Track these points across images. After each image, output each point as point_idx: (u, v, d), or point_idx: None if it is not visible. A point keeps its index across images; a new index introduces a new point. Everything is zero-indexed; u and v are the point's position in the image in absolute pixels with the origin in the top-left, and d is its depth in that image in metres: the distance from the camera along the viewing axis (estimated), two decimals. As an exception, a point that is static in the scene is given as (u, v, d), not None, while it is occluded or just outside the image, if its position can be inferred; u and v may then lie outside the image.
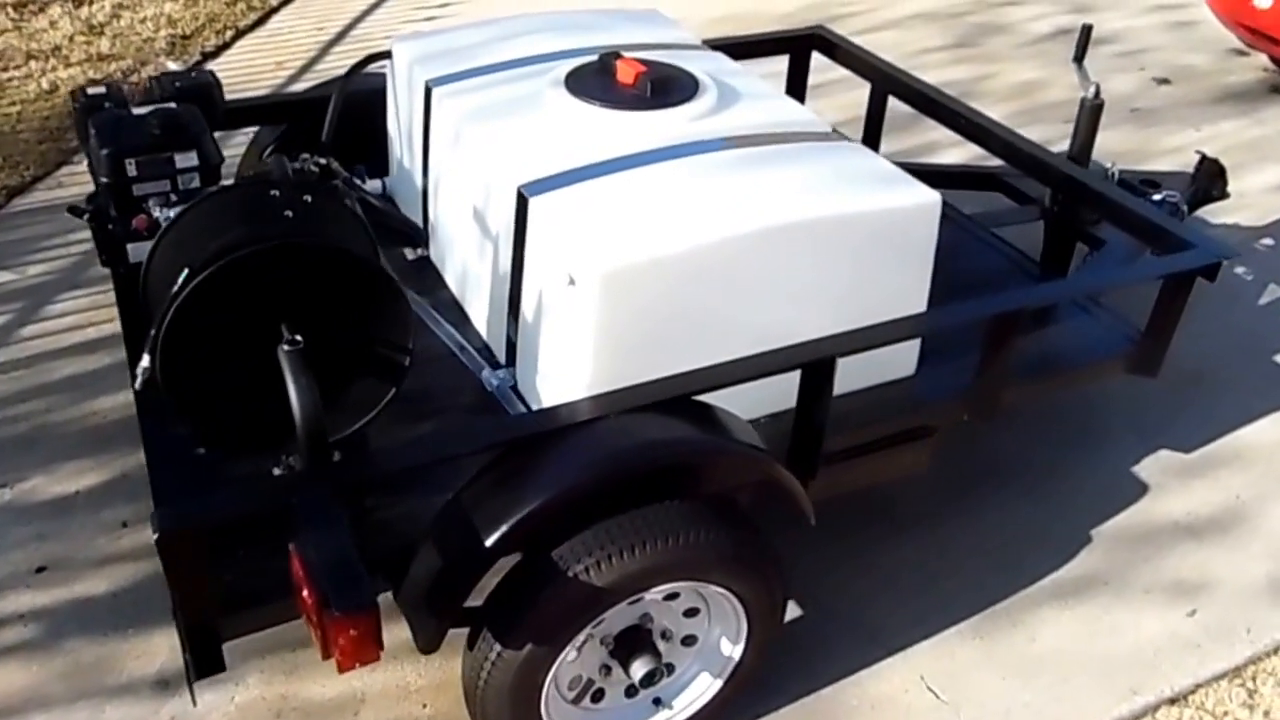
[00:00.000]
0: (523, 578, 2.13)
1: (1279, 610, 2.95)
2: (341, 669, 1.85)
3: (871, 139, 3.87)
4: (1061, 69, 5.96)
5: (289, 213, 2.29)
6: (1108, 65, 6.04)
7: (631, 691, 2.40)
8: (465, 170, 2.78)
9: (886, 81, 3.72)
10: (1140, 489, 3.32)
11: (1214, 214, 4.58)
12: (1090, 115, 3.60)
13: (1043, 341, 3.00)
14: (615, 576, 2.09)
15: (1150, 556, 3.09)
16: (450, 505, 2.12)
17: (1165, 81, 5.90)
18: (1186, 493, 3.32)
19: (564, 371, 2.42)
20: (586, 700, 2.36)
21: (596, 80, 2.82)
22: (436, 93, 2.92)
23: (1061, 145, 3.60)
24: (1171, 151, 5.14)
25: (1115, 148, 5.06)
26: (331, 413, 2.18)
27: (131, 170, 2.56)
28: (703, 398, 2.27)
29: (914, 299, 2.65)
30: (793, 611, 2.87)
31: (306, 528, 1.90)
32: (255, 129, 3.49)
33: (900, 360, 2.77)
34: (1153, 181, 3.96)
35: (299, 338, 2.09)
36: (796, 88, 4.06)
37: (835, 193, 2.55)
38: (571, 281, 2.26)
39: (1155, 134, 5.32)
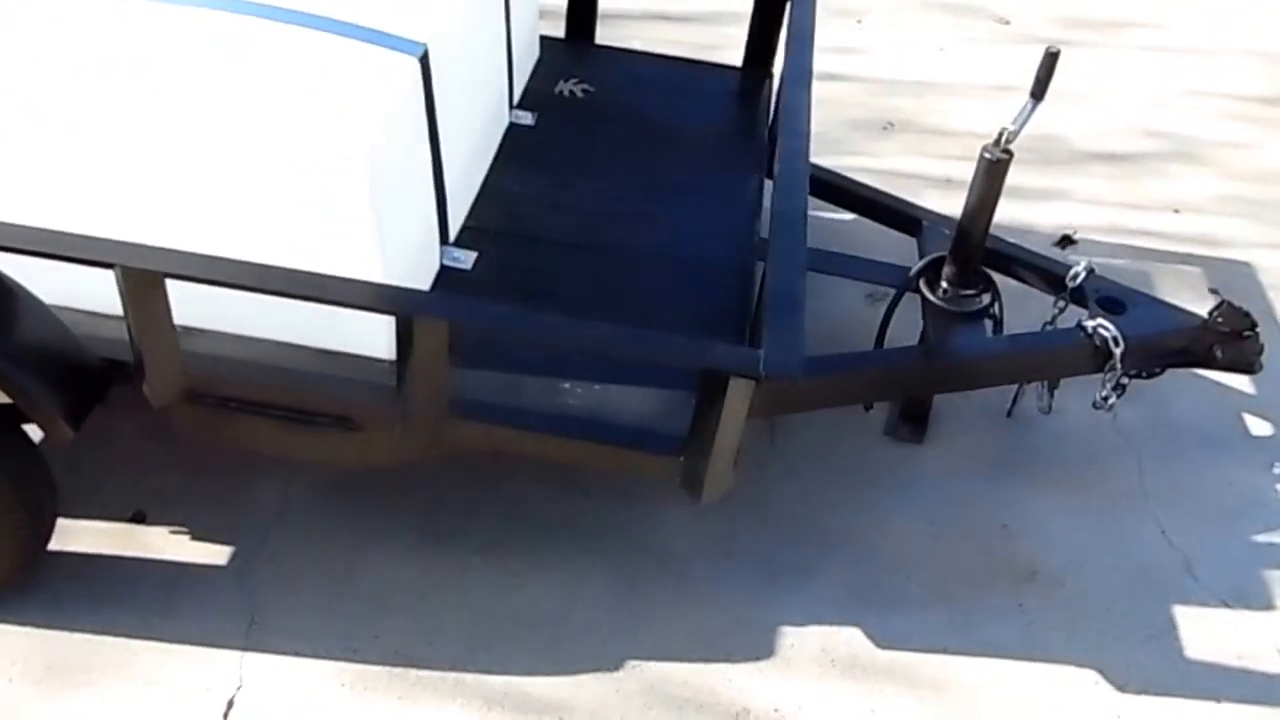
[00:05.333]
0: None
1: None
2: None
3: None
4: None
5: None
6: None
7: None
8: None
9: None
10: (764, 653, 2.46)
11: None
12: (989, 171, 2.64)
13: (589, 396, 2.28)
14: None
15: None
16: None
17: None
18: (813, 689, 2.41)
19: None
20: None
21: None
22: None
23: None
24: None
25: (1249, 238, 3.66)
26: None
27: None
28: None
29: (349, 260, 2.12)
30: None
31: None
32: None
33: (362, 335, 2.25)
34: (1119, 301, 2.83)
35: None
36: (761, 37, 3.31)
37: (253, 98, 2.10)
38: None
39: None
